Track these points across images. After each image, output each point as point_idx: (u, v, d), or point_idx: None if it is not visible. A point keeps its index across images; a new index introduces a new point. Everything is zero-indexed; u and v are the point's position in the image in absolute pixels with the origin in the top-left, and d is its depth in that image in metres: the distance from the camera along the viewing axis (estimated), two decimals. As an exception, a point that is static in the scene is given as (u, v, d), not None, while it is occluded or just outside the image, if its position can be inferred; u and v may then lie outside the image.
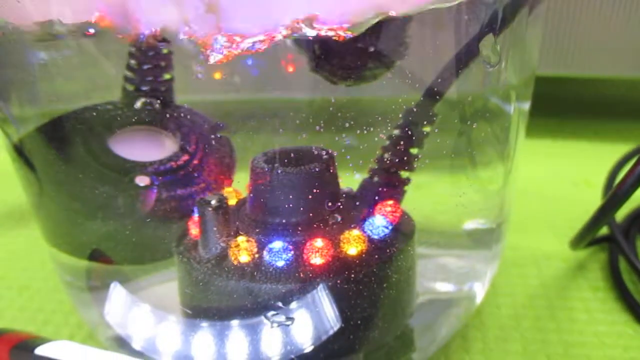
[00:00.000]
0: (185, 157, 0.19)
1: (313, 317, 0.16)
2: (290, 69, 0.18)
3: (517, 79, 0.19)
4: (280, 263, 0.16)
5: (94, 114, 0.19)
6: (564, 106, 0.47)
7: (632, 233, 0.27)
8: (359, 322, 0.17)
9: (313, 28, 0.14)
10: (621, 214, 0.27)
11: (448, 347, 0.21)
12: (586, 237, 0.24)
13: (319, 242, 0.16)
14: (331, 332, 0.16)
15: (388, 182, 0.18)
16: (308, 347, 0.16)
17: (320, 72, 0.18)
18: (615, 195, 0.20)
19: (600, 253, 0.27)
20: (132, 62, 0.19)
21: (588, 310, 0.24)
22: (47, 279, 0.26)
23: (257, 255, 0.16)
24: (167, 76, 0.20)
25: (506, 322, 0.23)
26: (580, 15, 0.37)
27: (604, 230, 0.27)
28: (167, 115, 0.20)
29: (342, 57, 0.17)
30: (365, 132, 0.17)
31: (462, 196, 0.20)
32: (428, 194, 0.20)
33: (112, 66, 0.19)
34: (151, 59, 0.19)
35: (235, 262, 0.16)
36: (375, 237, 0.17)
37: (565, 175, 0.36)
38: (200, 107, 0.20)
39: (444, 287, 0.21)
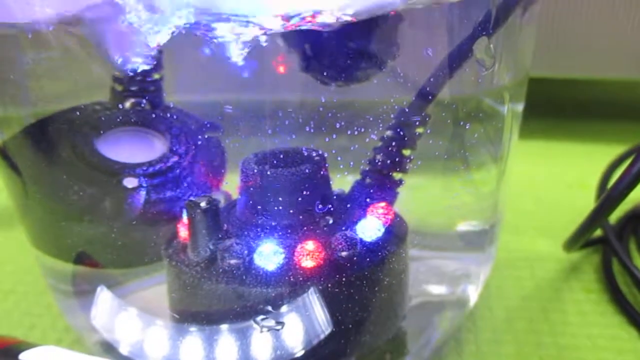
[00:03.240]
0: (175, 159, 0.19)
1: (304, 321, 0.16)
2: (281, 69, 0.18)
3: (511, 80, 0.19)
4: (271, 266, 0.16)
5: (81, 114, 0.19)
6: (557, 108, 0.47)
7: (625, 235, 0.27)
8: (350, 325, 0.16)
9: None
10: (615, 215, 0.27)
11: (441, 350, 0.21)
12: (580, 239, 0.24)
13: (310, 245, 0.16)
14: (322, 337, 0.16)
15: (380, 184, 0.18)
16: (299, 352, 0.16)
17: (311, 72, 0.17)
18: (609, 197, 0.20)
19: (593, 255, 0.27)
20: (121, 61, 0.19)
21: (581, 312, 0.24)
22: (34, 283, 0.25)
23: (247, 259, 0.16)
24: (156, 76, 0.20)
25: (499, 324, 0.23)
26: (574, 16, 0.37)
27: (598, 232, 0.27)
28: (157, 116, 0.19)
29: (333, 57, 0.17)
30: (357, 133, 0.17)
31: (455, 198, 0.20)
32: (421, 196, 0.20)
33: (100, 66, 0.19)
34: (140, 59, 0.19)
35: (225, 266, 0.16)
36: (368, 239, 0.17)
37: (559, 177, 0.36)
38: (190, 107, 0.20)
39: (436, 289, 0.21)
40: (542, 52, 0.38)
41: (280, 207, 0.17)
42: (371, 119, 0.17)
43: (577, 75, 0.41)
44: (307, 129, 0.17)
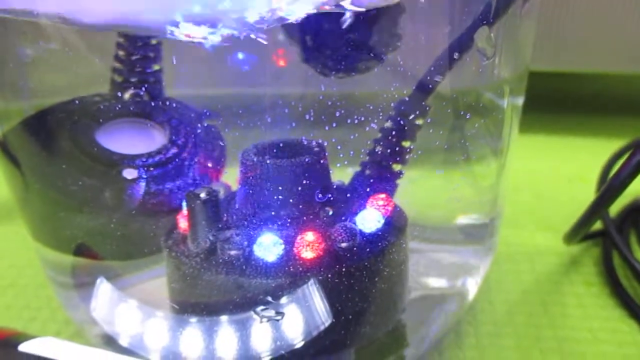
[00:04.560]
0: (174, 150, 0.19)
1: (303, 312, 0.16)
2: (281, 63, 0.17)
3: (511, 74, 0.19)
4: (270, 257, 0.16)
5: (81, 105, 0.19)
6: (557, 102, 0.47)
7: (625, 228, 0.27)
8: (350, 317, 0.16)
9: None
10: (615, 208, 0.27)
11: (441, 343, 0.21)
12: (580, 232, 0.23)
13: (309, 236, 0.16)
14: (322, 328, 0.16)
15: (380, 175, 0.18)
16: (298, 343, 0.16)
17: (312, 64, 0.17)
18: (608, 188, 0.20)
19: (594, 248, 0.27)
20: (121, 52, 0.19)
21: (582, 305, 0.24)
22: (34, 276, 0.25)
23: (246, 250, 0.16)
24: (156, 67, 0.19)
25: (499, 317, 0.23)
26: (574, 10, 0.37)
27: (598, 225, 0.27)
28: (156, 107, 0.19)
29: (333, 48, 0.17)
30: (356, 123, 0.17)
31: (455, 190, 0.20)
32: (421, 188, 0.20)
33: (99, 57, 0.19)
34: (139, 50, 0.19)
35: (225, 256, 0.16)
36: (367, 230, 0.17)
37: (559, 171, 0.36)
38: (190, 99, 0.20)
39: (436, 282, 0.21)
40: (543, 46, 0.38)
41: (280, 198, 0.17)
42: (371, 108, 0.17)
43: (577, 70, 0.41)
44: (307, 117, 0.17)
